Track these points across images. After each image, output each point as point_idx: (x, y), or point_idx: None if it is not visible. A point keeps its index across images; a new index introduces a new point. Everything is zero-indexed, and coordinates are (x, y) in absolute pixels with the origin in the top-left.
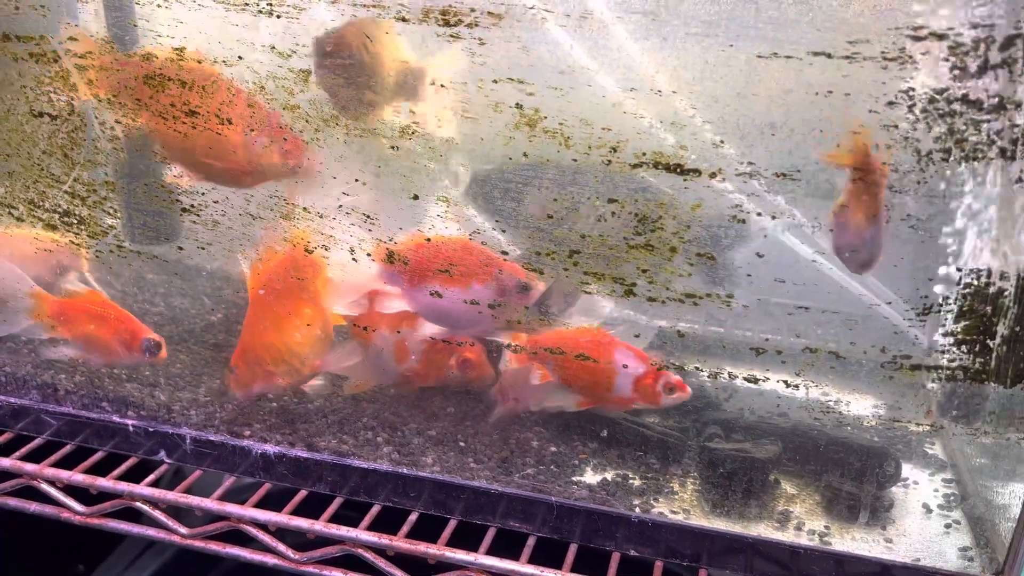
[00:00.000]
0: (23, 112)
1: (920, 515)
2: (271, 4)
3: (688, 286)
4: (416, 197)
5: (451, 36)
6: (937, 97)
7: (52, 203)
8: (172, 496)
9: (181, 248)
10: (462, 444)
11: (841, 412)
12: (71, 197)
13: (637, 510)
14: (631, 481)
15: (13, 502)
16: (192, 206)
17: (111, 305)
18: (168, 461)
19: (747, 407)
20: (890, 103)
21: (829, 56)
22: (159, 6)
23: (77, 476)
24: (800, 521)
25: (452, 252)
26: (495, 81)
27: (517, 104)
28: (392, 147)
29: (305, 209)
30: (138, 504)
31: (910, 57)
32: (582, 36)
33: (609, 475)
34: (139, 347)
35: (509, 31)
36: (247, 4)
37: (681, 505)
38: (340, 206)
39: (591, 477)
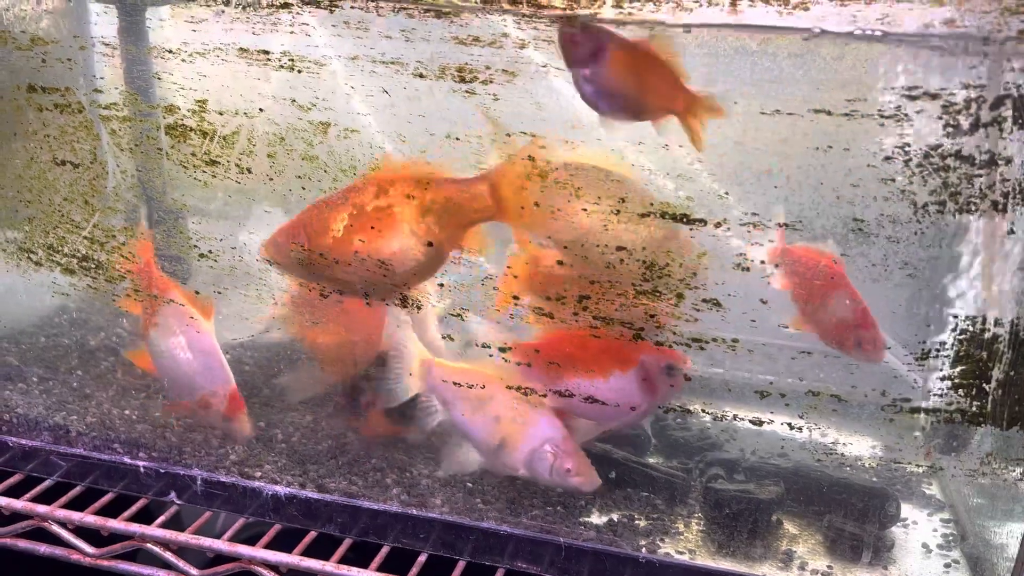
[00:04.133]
0: (46, 160)
1: (920, 555)
2: (292, 60)
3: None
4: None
5: (467, 92)
6: (932, 152)
7: (71, 248)
8: (183, 537)
9: (197, 292)
10: (470, 485)
11: (842, 454)
12: (90, 242)
13: (643, 550)
14: (637, 522)
15: (23, 544)
16: (210, 251)
17: None
18: (179, 502)
19: (749, 449)
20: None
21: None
22: (183, 61)
23: (88, 518)
24: (803, 561)
25: (587, 341)
26: (508, 134)
27: (529, 156)
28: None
29: None
30: (149, 545)
31: (905, 115)
32: None
33: (615, 516)
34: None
35: (522, 87)
36: (269, 59)
37: (687, 545)
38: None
39: (598, 518)
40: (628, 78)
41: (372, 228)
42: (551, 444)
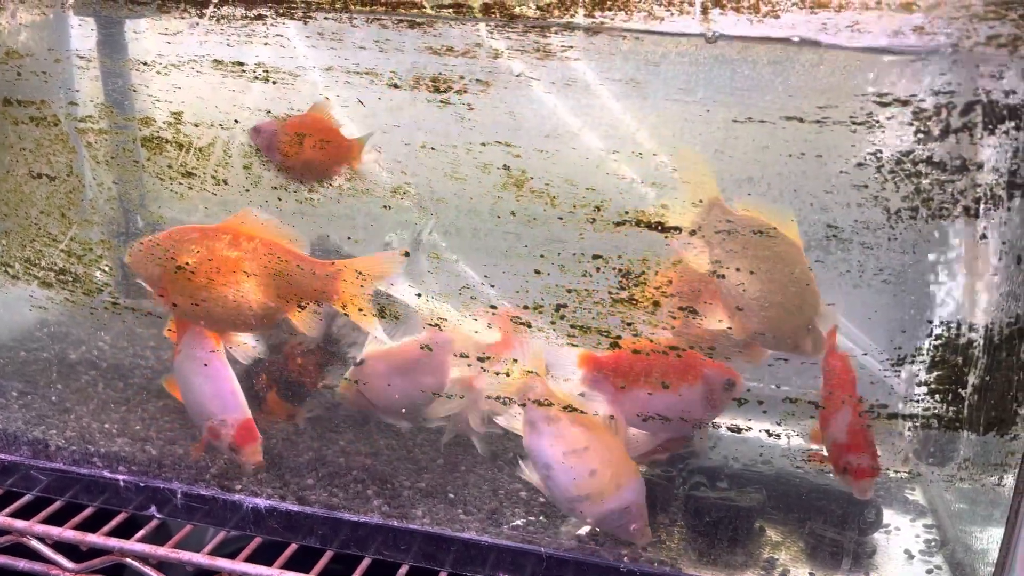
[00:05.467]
0: (22, 173)
1: (903, 561)
2: (267, 71)
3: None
4: (407, 254)
5: (441, 102)
6: (903, 159)
7: (48, 261)
8: (163, 551)
9: (175, 305)
10: (452, 495)
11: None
12: (67, 255)
13: (626, 559)
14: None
15: (2, 559)
16: (188, 263)
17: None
18: (159, 516)
19: (731, 456)
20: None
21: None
22: (158, 73)
23: (67, 532)
24: (785, 568)
25: (657, 357)
26: (483, 144)
27: (505, 165)
28: (384, 206)
29: None
30: (129, 560)
31: (877, 121)
32: (566, 99)
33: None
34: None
35: (497, 97)
36: (244, 71)
37: (668, 554)
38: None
39: (580, 527)
40: (307, 155)
41: (218, 271)
42: (634, 506)
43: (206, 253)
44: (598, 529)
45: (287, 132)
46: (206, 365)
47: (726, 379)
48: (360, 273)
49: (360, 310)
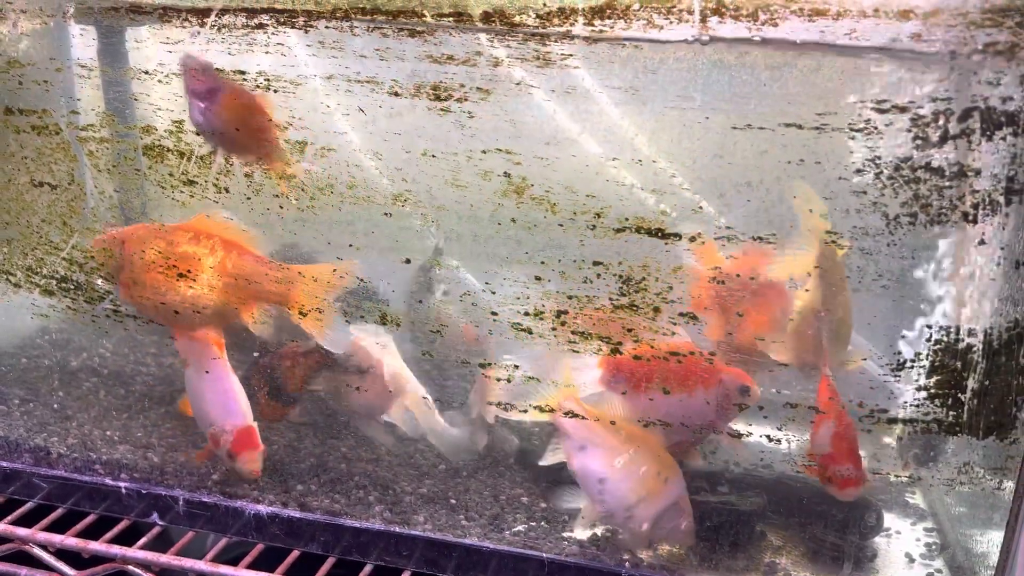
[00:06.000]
0: (24, 182)
1: (903, 564)
2: (268, 79)
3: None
4: (408, 261)
5: (442, 110)
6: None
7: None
8: (165, 559)
9: (177, 312)
10: (453, 501)
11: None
12: (69, 264)
13: (627, 564)
14: (621, 536)
15: (4, 567)
16: (188, 271)
17: None
18: (161, 523)
19: (731, 460)
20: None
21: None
22: (159, 81)
23: (69, 540)
24: (786, 573)
25: (674, 359)
26: (484, 151)
27: (505, 173)
28: (385, 213)
29: None
30: (131, 568)
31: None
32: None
33: (599, 530)
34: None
35: (497, 104)
36: (245, 79)
37: (670, 559)
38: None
39: (581, 532)
40: (233, 120)
41: (174, 267)
42: (682, 500)
43: (166, 250)
44: (650, 540)
45: (222, 89)
46: (208, 372)
47: (741, 384)
48: (315, 280)
49: (314, 317)
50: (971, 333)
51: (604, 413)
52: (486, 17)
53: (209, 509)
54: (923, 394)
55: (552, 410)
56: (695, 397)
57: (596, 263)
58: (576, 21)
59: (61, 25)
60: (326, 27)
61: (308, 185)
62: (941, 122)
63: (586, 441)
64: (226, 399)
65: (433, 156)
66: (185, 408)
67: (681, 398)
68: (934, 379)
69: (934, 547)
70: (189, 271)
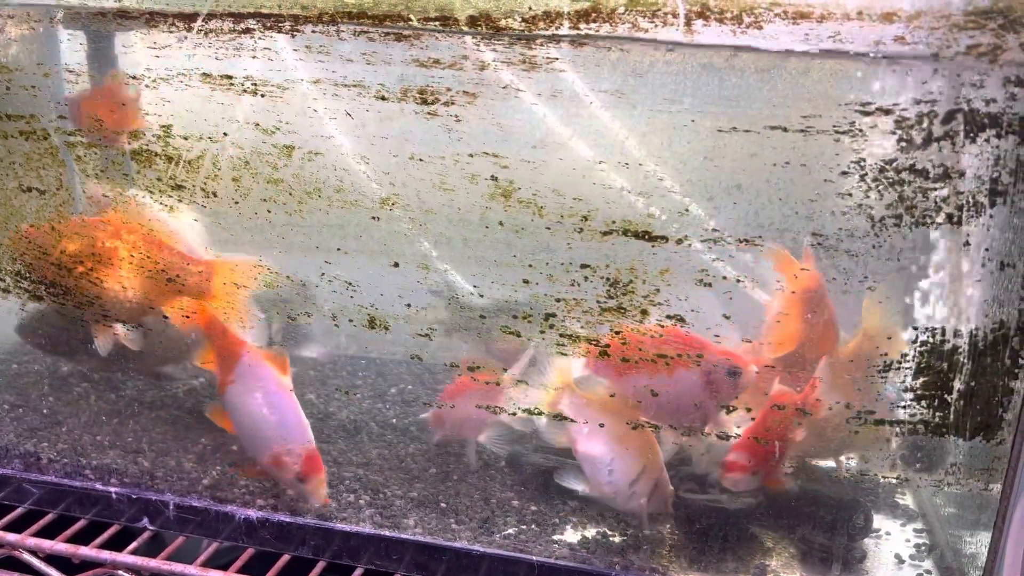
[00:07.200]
0: (12, 187)
1: (893, 565)
2: (255, 84)
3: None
4: (396, 264)
5: (428, 113)
6: (887, 167)
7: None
8: (155, 564)
9: (166, 317)
10: (443, 505)
11: (812, 466)
12: (58, 268)
13: (617, 567)
14: (611, 538)
15: None
16: (178, 276)
17: None
18: (151, 528)
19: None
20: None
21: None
22: (147, 86)
23: (59, 545)
24: (775, 574)
25: (657, 340)
26: (471, 155)
27: (492, 176)
28: (373, 217)
29: None
30: (121, 573)
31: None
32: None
33: (590, 533)
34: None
35: (484, 108)
36: (232, 84)
37: (660, 561)
38: None
39: (571, 535)
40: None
41: (94, 256)
42: (664, 471)
43: (87, 243)
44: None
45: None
46: (269, 393)
47: (730, 365)
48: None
49: (234, 311)
50: (957, 334)
51: (601, 395)
52: (472, 21)
53: (199, 513)
54: (909, 395)
55: (542, 413)
56: (686, 379)
57: (584, 266)
58: (562, 25)
59: (49, 29)
60: (312, 31)
61: (296, 189)
62: (925, 124)
63: (583, 425)
64: (289, 418)
65: (420, 160)
66: (218, 419)
67: (667, 380)
68: (920, 380)
69: (923, 548)
70: (111, 263)
